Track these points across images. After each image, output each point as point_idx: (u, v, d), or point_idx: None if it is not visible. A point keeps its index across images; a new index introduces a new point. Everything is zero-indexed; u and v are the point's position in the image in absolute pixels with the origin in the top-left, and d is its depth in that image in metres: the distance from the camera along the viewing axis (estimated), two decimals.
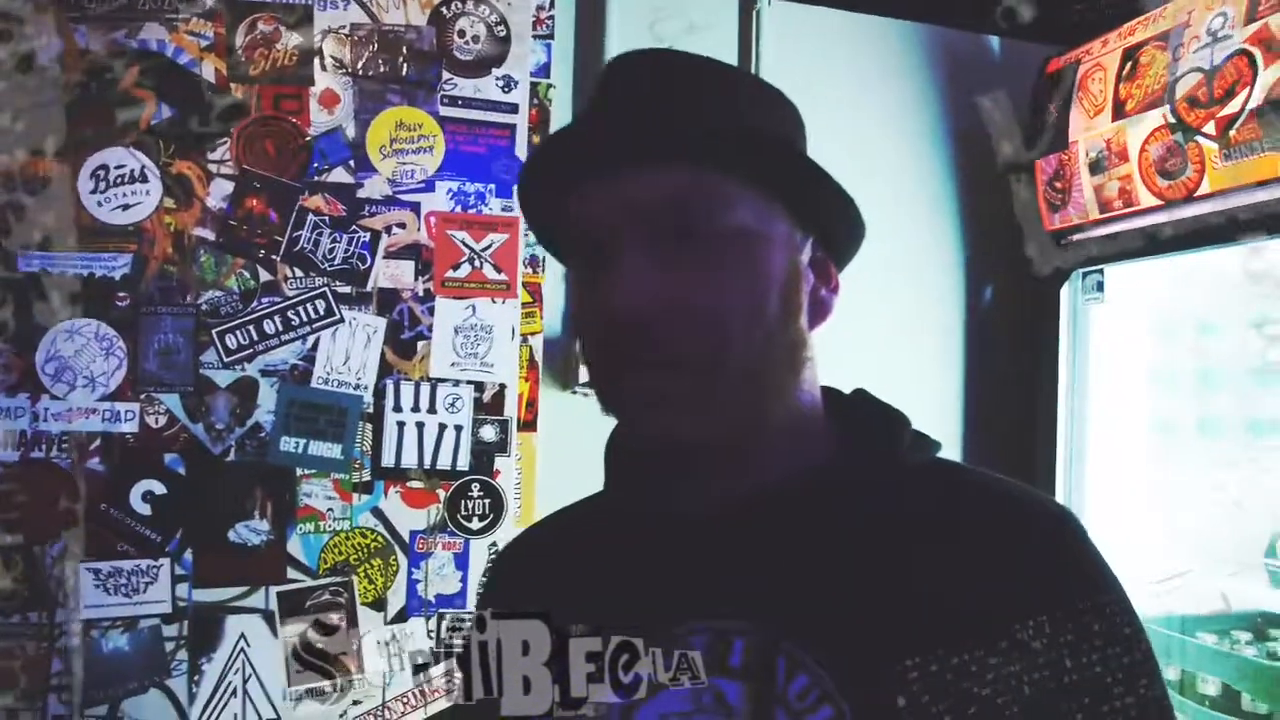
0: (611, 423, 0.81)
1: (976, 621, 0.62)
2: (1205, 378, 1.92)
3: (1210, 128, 1.56)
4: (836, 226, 0.73)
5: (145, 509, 1.63)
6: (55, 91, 1.59)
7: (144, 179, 1.64)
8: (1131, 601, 0.66)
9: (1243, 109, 1.50)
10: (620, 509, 0.79)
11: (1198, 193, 1.61)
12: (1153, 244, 1.75)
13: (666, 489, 0.73)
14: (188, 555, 1.65)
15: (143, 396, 1.64)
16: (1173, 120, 1.63)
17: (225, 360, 1.68)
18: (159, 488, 1.64)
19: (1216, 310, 1.89)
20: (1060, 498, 1.94)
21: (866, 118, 2.09)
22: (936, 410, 2.11)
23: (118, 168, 1.63)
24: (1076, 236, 1.94)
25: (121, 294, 1.63)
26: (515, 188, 0.79)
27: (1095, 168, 1.82)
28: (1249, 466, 1.77)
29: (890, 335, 2.04)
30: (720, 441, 0.67)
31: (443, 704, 1.74)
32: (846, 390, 0.79)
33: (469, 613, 1.77)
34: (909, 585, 0.64)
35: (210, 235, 1.68)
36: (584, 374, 1.81)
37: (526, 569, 0.86)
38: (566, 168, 0.70)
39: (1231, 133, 1.52)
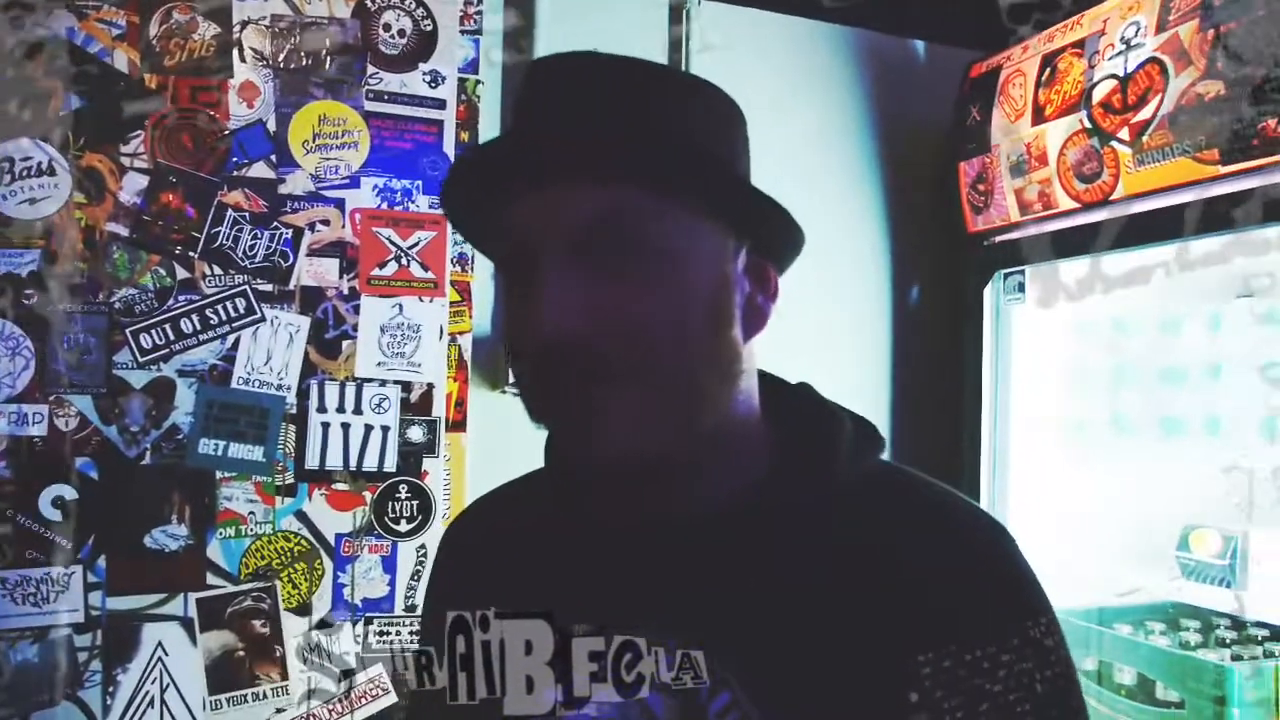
0: None
1: (909, 641, 0.62)
2: (1120, 375, 1.97)
3: (1124, 133, 1.61)
4: (773, 239, 0.72)
5: (55, 515, 1.57)
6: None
7: (52, 172, 1.58)
8: (1055, 612, 0.67)
9: (1155, 115, 1.54)
10: (558, 505, 0.79)
11: (1113, 196, 1.66)
12: (1070, 245, 1.79)
13: (599, 503, 0.73)
14: (101, 562, 1.59)
15: (52, 398, 1.57)
16: (1089, 125, 1.68)
17: (140, 360, 1.62)
18: (70, 493, 1.58)
19: (1131, 310, 1.94)
20: (985, 493, 1.98)
21: (795, 118, 2.10)
22: (864, 410, 2.13)
23: (23, 160, 1.56)
24: (998, 238, 1.98)
25: (29, 291, 1.57)
26: (440, 197, 0.78)
27: (1016, 171, 1.86)
28: (1161, 461, 1.83)
29: (817, 336, 2.06)
30: (653, 454, 0.66)
31: (371, 709, 1.71)
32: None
33: (396, 616, 1.74)
34: (837, 607, 0.64)
35: (123, 231, 1.62)
36: (513, 374, 1.79)
37: (469, 553, 0.86)
38: (491, 182, 0.68)
39: (1144, 138, 1.57)
